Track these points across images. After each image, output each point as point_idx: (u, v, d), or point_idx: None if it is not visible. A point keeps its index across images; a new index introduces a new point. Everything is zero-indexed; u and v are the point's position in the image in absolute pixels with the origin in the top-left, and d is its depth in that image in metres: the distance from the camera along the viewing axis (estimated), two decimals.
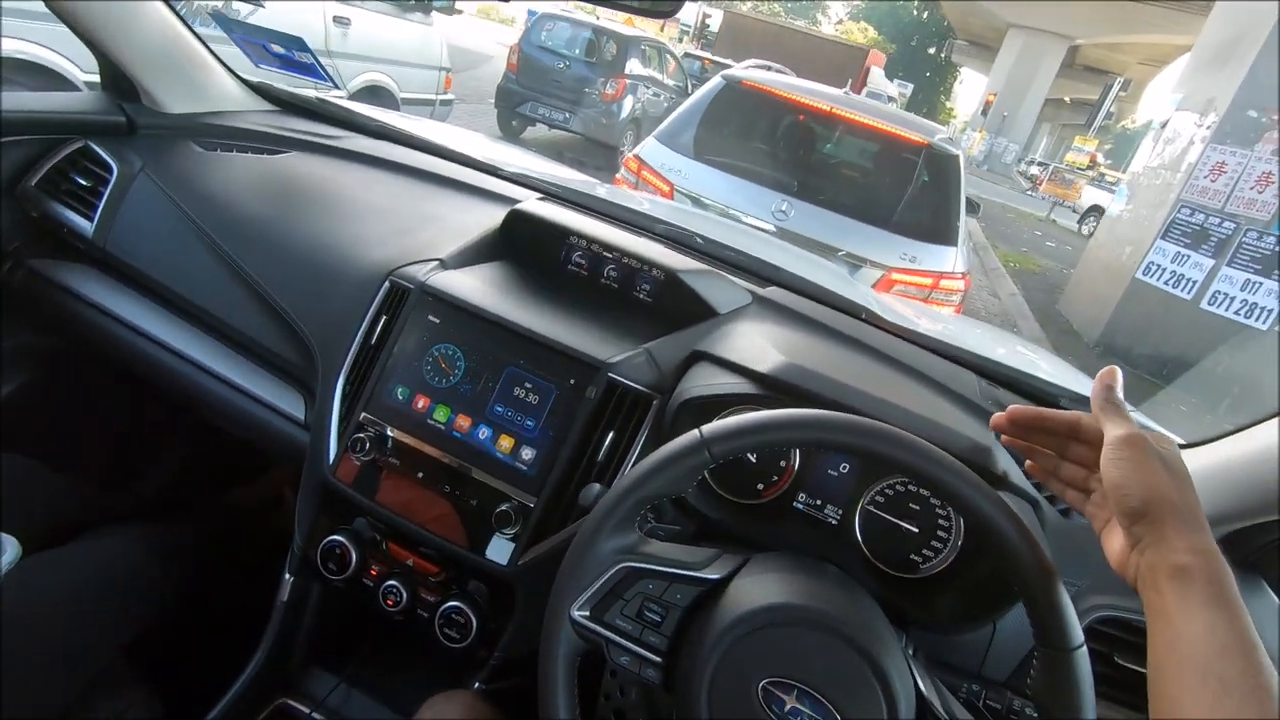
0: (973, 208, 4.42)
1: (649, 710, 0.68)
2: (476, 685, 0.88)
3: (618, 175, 3.78)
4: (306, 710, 0.97)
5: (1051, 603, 0.56)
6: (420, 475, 0.86)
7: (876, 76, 20.00)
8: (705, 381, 0.83)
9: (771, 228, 3.30)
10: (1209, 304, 5.25)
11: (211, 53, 1.29)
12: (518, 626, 0.86)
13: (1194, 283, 5.35)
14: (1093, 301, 6.56)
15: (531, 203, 1.13)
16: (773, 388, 0.80)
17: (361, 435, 0.86)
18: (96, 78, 1.23)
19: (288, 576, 0.96)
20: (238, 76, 1.37)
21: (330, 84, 1.34)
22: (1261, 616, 0.75)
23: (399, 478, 0.87)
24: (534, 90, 7.41)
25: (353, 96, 4.36)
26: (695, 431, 0.64)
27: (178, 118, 1.23)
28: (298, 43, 1.19)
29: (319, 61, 1.22)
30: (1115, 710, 0.76)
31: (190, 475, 1.42)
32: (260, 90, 1.41)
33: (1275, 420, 0.77)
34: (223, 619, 1.04)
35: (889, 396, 0.84)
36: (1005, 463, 0.78)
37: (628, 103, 7.54)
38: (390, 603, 0.89)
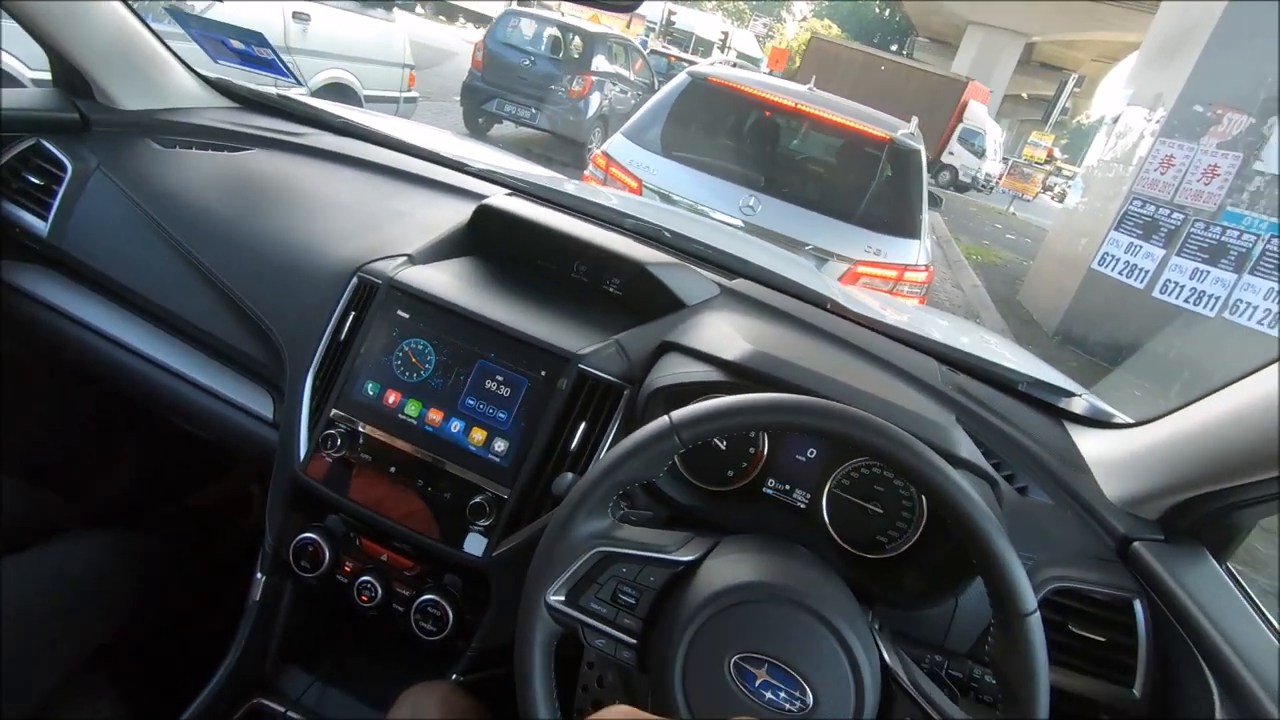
0: (935, 201, 4.51)
1: (626, 693, 0.69)
2: (454, 676, 0.89)
3: (586, 172, 3.78)
4: (282, 709, 0.96)
5: (1005, 571, 0.58)
6: (393, 470, 0.86)
7: (976, 112, 17.50)
8: (674, 370, 0.84)
9: (739, 223, 3.34)
10: (1161, 292, 5.43)
11: (168, 48, 1.26)
12: (494, 617, 0.87)
13: (1146, 272, 5.52)
14: (1051, 292, 6.75)
15: (500, 198, 1.13)
16: (740, 374, 0.82)
17: (332, 432, 0.86)
18: (46, 75, 1.20)
19: (259, 576, 0.95)
20: (195, 73, 1.34)
21: (292, 80, 1.31)
22: (1205, 583, 0.79)
23: (371, 474, 0.87)
24: (500, 87, 7.36)
25: (315, 94, 4.29)
26: (665, 418, 0.65)
27: (133, 114, 1.20)
28: (257, 38, 1.17)
29: (280, 57, 1.20)
30: (1071, 676, 0.79)
31: (152, 478, 1.39)
32: (219, 87, 1.38)
33: (1215, 396, 0.81)
34: (194, 620, 1.03)
35: (853, 382, 0.86)
36: (963, 444, 0.80)
37: (594, 99, 7.53)
38: (365, 599, 0.89)
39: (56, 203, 1.06)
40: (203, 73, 1.36)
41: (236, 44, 1.19)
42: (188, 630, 1.03)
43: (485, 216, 1.09)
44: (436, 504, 0.86)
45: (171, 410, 1.06)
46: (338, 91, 4.70)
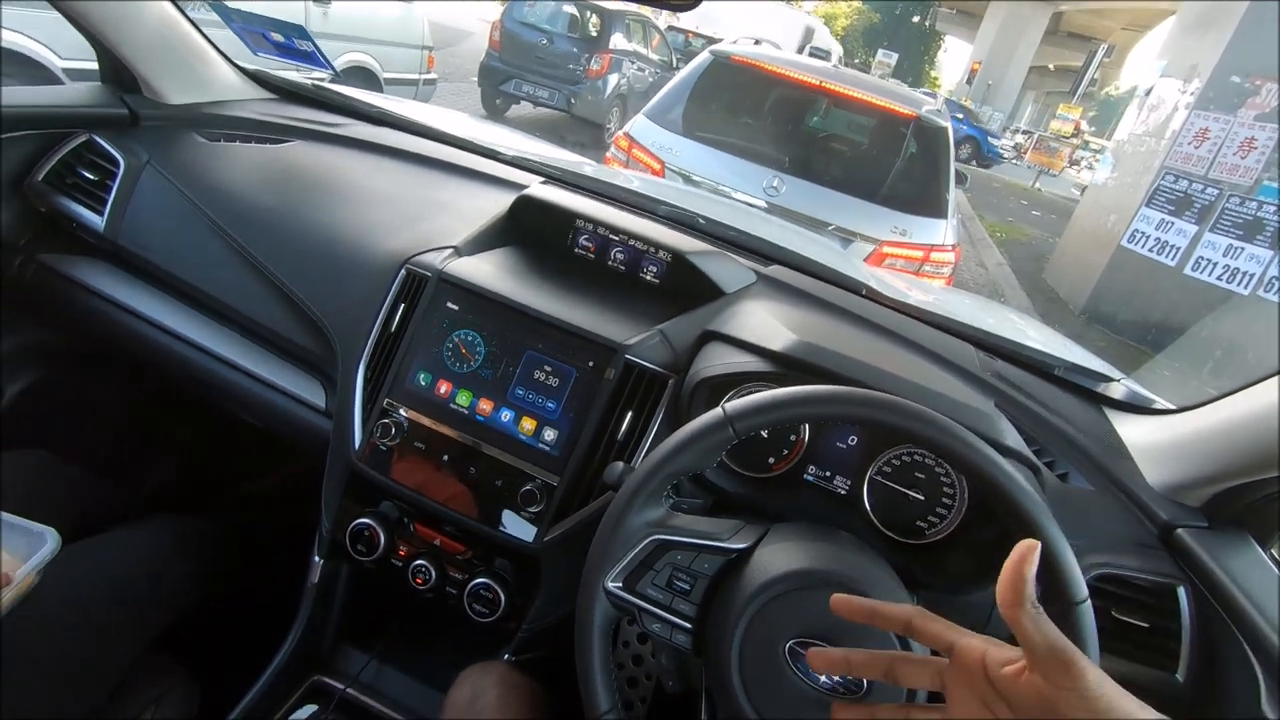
0: (960, 179, 4.45)
1: (679, 671, 0.72)
2: (506, 656, 0.92)
3: (608, 154, 3.77)
4: (340, 686, 1.00)
5: (1058, 560, 0.60)
6: (445, 458, 0.89)
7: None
8: (719, 360, 0.86)
9: (763, 203, 3.32)
10: (1192, 270, 5.32)
11: (210, 42, 1.29)
12: (544, 600, 0.89)
13: (1177, 249, 5.42)
14: (1078, 270, 6.64)
15: (538, 188, 1.14)
16: (785, 364, 0.83)
17: (386, 421, 0.89)
18: (75, 64, 1.23)
19: (317, 559, 0.98)
20: (236, 65, 1.36)
21: (331, 71, 1.33)
22: (1249, 570, 0.80)
23: (424, 461, 0.90)
24: (517, 67, 7.31)
25: (335, 78, 4.31)
26: (719, 410, 0.67)
27: (179, 108, 1.23)
28: (299, 31, 1.19)
29: (319, 49, 1.22)
30: (1113, 661, 0.81)
31: (210, 466, 1.44)
32: (257, 78, 1.40)
33: (1271, 381, 0.81)
34: (253, 604, 1.07)
35: (897, 370, 0.87)
36: (1009, 432, 0.81)
37: (613, 78, 7.46)
38: (419, 582, 0.92)
39: (111, 197, 1.09)
40: (241, 65, 1.38)
41: (277, 37, 1.21)
42: (249, 612, 1.07)
43: (525, 206, 1.10)
44: (488, 490, 0.88)
45: (227, 400, 1.09)
46: (359, 75, 4.71)
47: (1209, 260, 5.27)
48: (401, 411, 0.90)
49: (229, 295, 1.05)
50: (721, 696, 0.63)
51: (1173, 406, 1.03)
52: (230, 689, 0.95)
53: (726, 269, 1.07)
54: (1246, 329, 4.86)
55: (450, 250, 0.98)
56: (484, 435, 0.89)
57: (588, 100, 7.34)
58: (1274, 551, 0.86)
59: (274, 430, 1.08)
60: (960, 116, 17.07)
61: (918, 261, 3.23)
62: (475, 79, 7.69)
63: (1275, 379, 0.78)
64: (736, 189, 3.35)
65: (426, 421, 0.90)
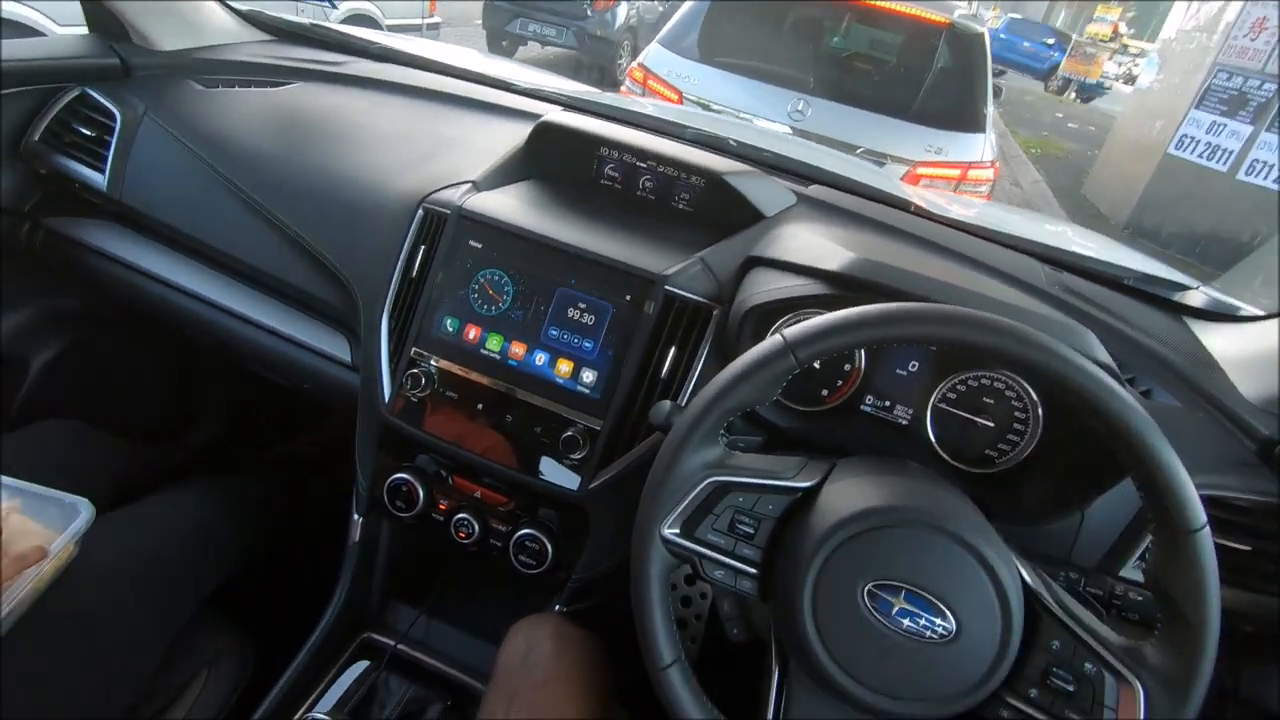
0: (995, 92, 4.19)
1: (743, 618, 0.68)
2: (556, 607, 0.89)
3: (623, 87, 3.62)
4: (391, 642, 0.99)
5: (1172, 484, 0.53)
6: (479, 407, 0.84)
7: None
8: (767, 287, 0.79)
9: (788, 129, 3.16)
10: (1246, 174, 5.03)
11: None
12: (593, 549, 0.86)
13: (1230, 153, 5.10)
14: (1120, 182, 6.31)
15: (557, 114, 1.06)
16: (842, 285, 0.76)
17: (415, 371, 0.84)
18: (73, 29, 1.16)
19: (356, 517, 0.96)
20: (229, 6, 1.28)
21: (331, 5, 1.24)
22: None
23: (457, 411, 0.86)
24: (522, 5, 7.03)
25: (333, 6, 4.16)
26: (778, 337, 0.60)
27: (172, 55, 1.16)
28: None
29: None
30: None
31: (249, 426, 1.42)
32: (253, 20, 1.32)
33: None
34: (301, 562, 1.06)
35: (969, 286, 0.79)
36: (1097, 345, 0.74)
37: (621, 10, 7.15)
38: (462, 535, 0.89)
39: (111, 154, 1.03)
40: (234, 6, 1.30)
41: None
42: (298, 572, 1.06)
43: (545, 134, 1.02)
44: (527, 438, 0.84)
45: (251, 359, 1.05)
46: (361, 23, 4.55)
47: (1265, 163, 4.96)
48: (430, 361, 0.86)
49: (241, 249, 1.00)
50: (793, 644, 0.59)
51: (1262, 312, 0.95)
52: (282, 649, 0.94)
53: (766, 190, 0.99)
54: None
55: (468, 186, 0.91)
56: (518, 380, 0.84)
57: (597, 35, 7.06)
58: None
59: (299, 388, 1.04)
60: (1051, 42, 15.97)
61: (954, 181, 3.07)
62: (479, 22, 7.42)
63: None
64: (759, 115, 3.19)
65: (457, 369, 0.85)
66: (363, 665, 0.96)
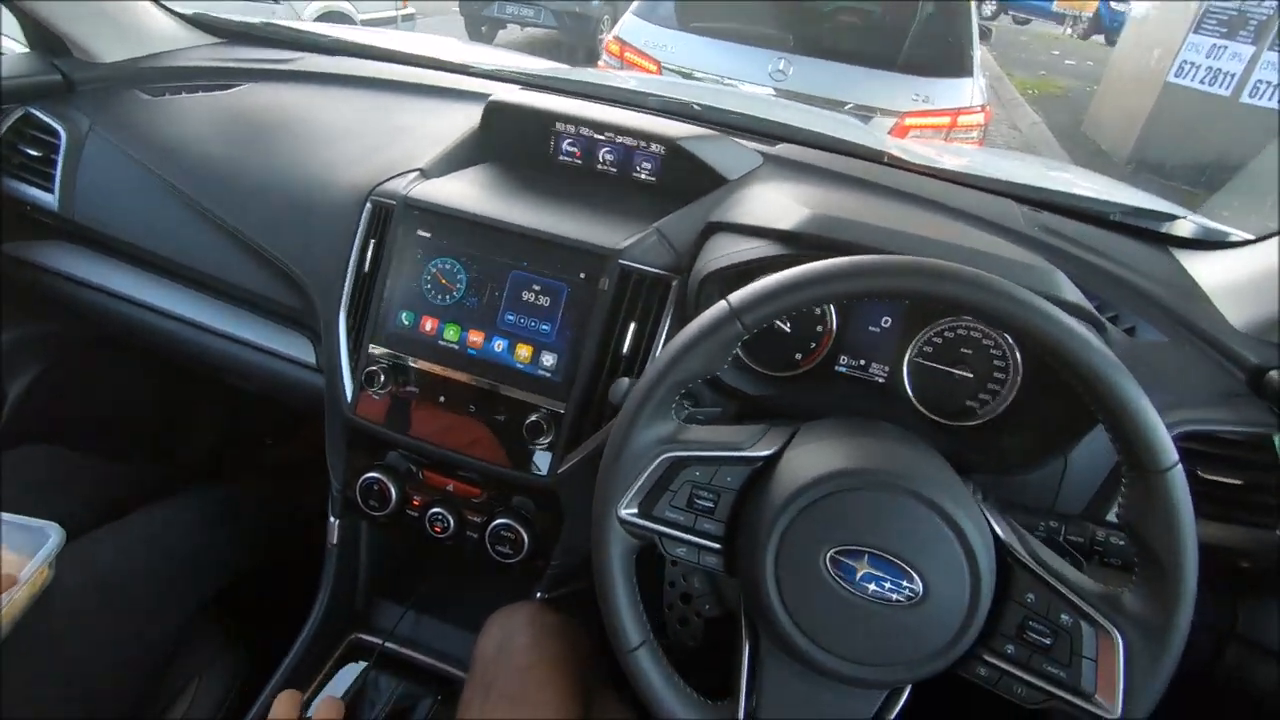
0: (983, 34, 4.08)
1: (714, 594, 0.66)
2: (538, 595, 0.88)
3: (600, 61, 3.55)
4: (379, 641, 0.99)
5: (1140, 423, 0.50)
6: (442, 399, 0.83)
7: None
8: (725, 251, 0.76)
9: (771, 90, 3.10)
10: (1250, 96, 4.87)
11: None
12: (569, 533, 0.85)
13: (1232, 76, 4.95)
14: (1121, 117, 6.15)
15: (507, 92, 1.03)
16: (799, 244, 0.73)
17: (374, 369, 0.82)
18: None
19: (332, 519, 0.95)
20: (172, 11, 1.25)
21: (272, 1, 1.21)
22: None
23: (421, 405, 0.84)
24: None
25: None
26: (723, 302, 0.58)
27: (116, 66, 1.13)
28: None
29: None
30: (1204, 526, 0.72)
31: (228, 439, 1.42)
32: (199, 23, 1.29)
33: None
34: (289, 567, 1.06)
35: (927, 234, 0.76)
36: (1066, 286, 0.71)
37: None
38: (438, 530, 0.88)
39: (58, 173, 1.02)
40: (178, 10, 1.27)
41: None
42: (286, 577, 1.05)
43: (496, 113, 0.99)
44: (492, 427, 0.82)
45: (219, 369, 1.04)
46: (335, 19, 4.51)
47: (1269, 83, 4.81)
48: (389, 356, 0.84)
49: (197, 259, 0.99)
50: (760, 616, 0.57)
51: (1251, 236, 0.91)
52: (273, 654, 0.94)
53: (728, 153, 0.96)
54: None
55: (415, 174, 0.88)
56: (479, 369, 0.82)
57: (575, 14, 6.94)
58: None
59: (272, 394, 1.03)
60: None
61: (944, 129, 3.01)
62: (457, 9, 7.32)
63: None
64: (740, 78, 3.12)
65: (417, 363, 0.83)
66: (354, 667, 0.96)
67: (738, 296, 0.57)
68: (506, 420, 0.81)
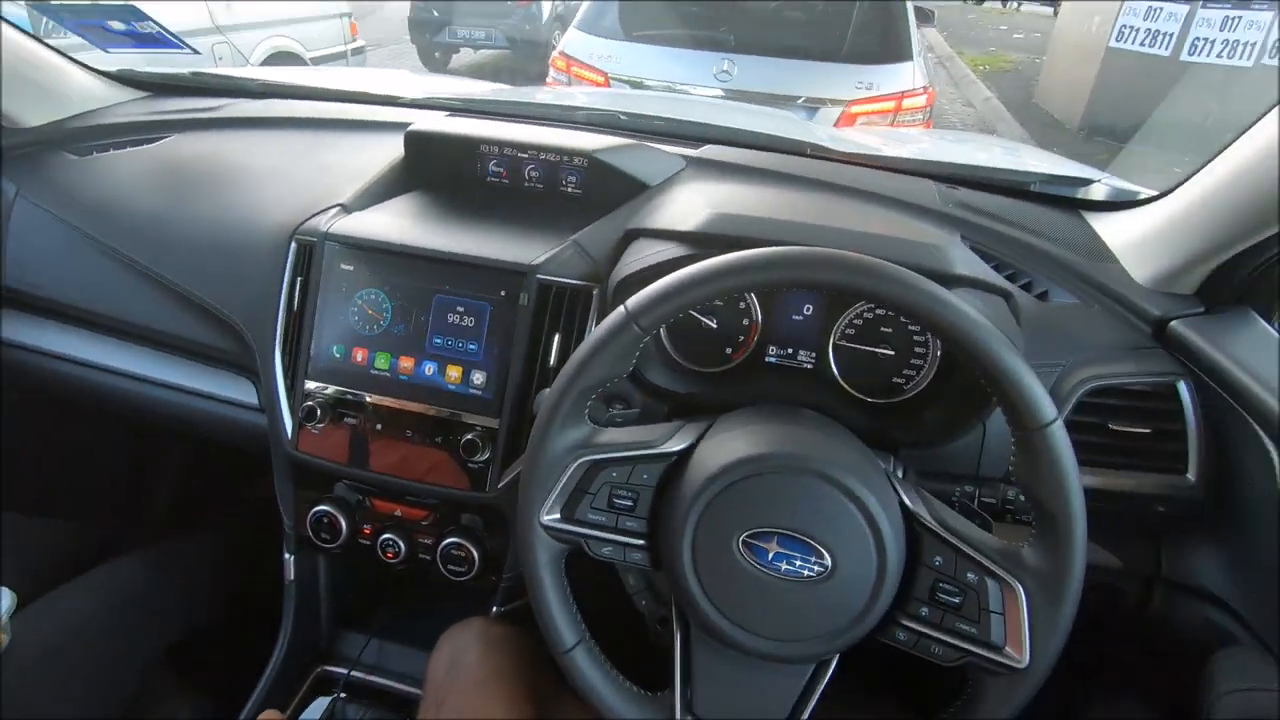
0: (925, 16, 4.15)
1: (651, 594, 0.68)
2: (494, 609, 0.89)
3: (549, 78, 3.58)
4: (345, 671, 1.00)
5: (1014, 382, 0.53)
6: (379, 427, 0.84)
7: None
8: (639, 256, 0.78)
9: (719, 91, 3.13)
10: (1189, 54, 4.97)
11: (58, 52, 1.18)
12: (516, 546, 0.86)
13: (1170, 36, 5.05)
14: (1069, 86, 6.25)
15: (428, 120, 1.05)
16: (705, 244, 0.76)
17: (311, 404, 0.84)
18: None
19: (287, 556, 0.96)
20: (95, 70, 1.26)
21: (189, 51, 1.21)
22: (1254, 347, 0.72)
23: (360, 434, 0.85)
24: (446, 12, 6.95)
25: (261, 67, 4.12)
26: (621, 308, 0.60)
27: (39, 130, 1.14)
28: (133, 12, 1.08)
29: (165, 29, 1.11)
30: (1118, 476, 0.75)
31: (189, 488, 1.42)
32: (124, 79, 1.30)
33: (1237, 144, 0.71)
34: (252, 608, 1.06)
35: (832, 223, 0.79)
36: (959, 260, 0.73)
37: (545, 3, 7.06)
38: (390, 555, 0.89)
39: None
40: (102, 68, 1.28)
41: (116, 25, 1.10)
42: (249, 618, 1.06)
43: (417, 144, 1.01)
44: (430, 449, 0.84)
45: (166, 420, 1.05)
46: (284, 59, 4.51)
47: (1205, 39, 4.91)
48: (325, 390, 0.85)
49: (133, 313, 1.00)
50: (685, 605, 0.59)
51: (1155, 193, 0.94)
52: (241, 694, 0.94)
53: (648, 160, 0.98)
54: (1254, 101, 4.54)
55: (337, 209, 0.90)
56: (412, 394, 0.83)
57: (526, 30, 6.98)
58: None
59: (219, 439, 1.04)
60: None
61: (890, 113, 3.05)
62: (409, 38, 7.34)
63: (1247, 135, 0.69)
64: (687, 83, 3.16)
65: (351, 394, 0.85)
66: (323, 701, 0.97)
67: (634, 301, 0.59)
68: (444, 441, 0.83)
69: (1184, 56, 4.98)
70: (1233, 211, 0.70)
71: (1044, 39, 9.26)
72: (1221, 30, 4.78)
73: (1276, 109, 0.66)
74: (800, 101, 3.08)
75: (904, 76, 3.08)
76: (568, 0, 7.41)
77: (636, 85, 3.24)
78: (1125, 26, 5.29)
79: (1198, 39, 4.93)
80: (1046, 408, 0.53)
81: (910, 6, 3.31)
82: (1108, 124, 5.70)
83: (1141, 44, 5.21)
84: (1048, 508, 0.54)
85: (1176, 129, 4.71)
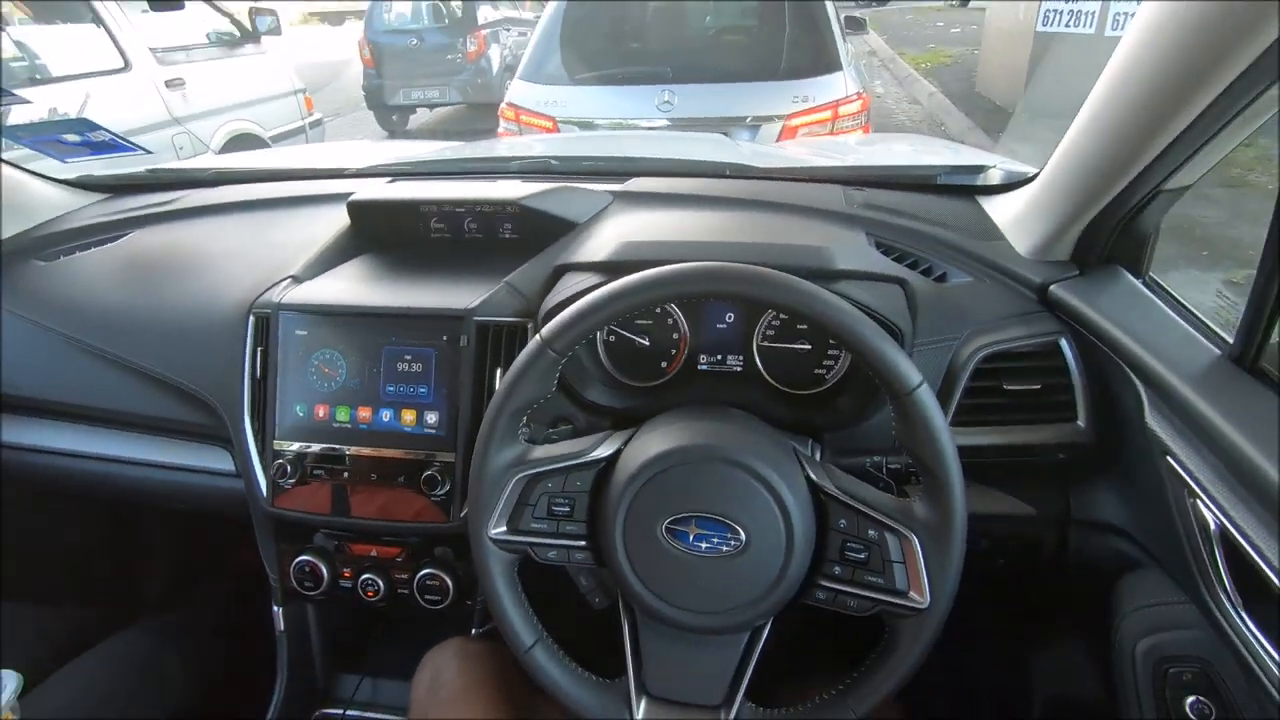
0: (857, 24, 4.32)
1: (602, 589, 0.74)
2: (473, 631, 0.95)
3: (500, 129, 3.70)
4: (341, 711, 1.04)
5: (879, 356, 0.60)
6: (346, 475, 0.90)
7: None
8: (565, 287, 0.86)
9: (664, 121, 3.25)
10: (1113, 29, 5.16)
11: (16, 166, 1.26)
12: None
13: (1092, 14, 5.25)
14: (1006, 72, 6.47)
15: (367, 188, 1.13)
16: (618, 271, 0.83)
17: (280, 462, 0.90)
18: None
19: (276, 608, 1.01)
20: (53, 180, 1.34)
21: (142, 152, 1.29)
22: (1122, 301, 0.80)
23: (330, 485, 0.91)
24: (398, 77, 7.13)
25: (221, 152, 4.22)
26: (536, 336, 0.67)
27: (9, 242, 1.21)
28: (85, 124, 1.16)
29: (117, 135, 1.19)
30: (1018, 432, 0.82)
31: (183, 560, 1.46)
32: (82, 184, 1.38)
33: (1080, 112, 0.79)
34: (250, 665, 1.11)
35: (738, 238, 0.87)
36: (842, 256, 0.81)
37: (495, 53, 7.27)
38: (371, 594, 0.94)
39: None
40: (60, 177, 1.35)
41: (71, 137, 1.18)
42: (248, 673, 1.10)
43: (359, 211, 1.09)
44: (395, 490, 0.90)
45: (150, 496, 1.10)
46: (245, 142, 4.62)
47: (1127, 14, 5.11)
48: (292, 447, 0.92)
49: (113, 401, 1.06)
50: (627, 594, 0.65)
51: (1037, 171, 1.03)
52: None
53: (574, 201, 1.06)
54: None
55: (288, 280, 0.97)
56: (373, 440, 0.90)
57: (478, 84, 7.17)
58: (1150, 275, 0.86)
59: (202, 509, 1.09)
60: None
61: (828, 122, 3.17)
62: (365, 106, 7.51)
63: (1086, 102, 0.77)
64: (632, 118, 3.28)
65: (316, 448, 0.91)
66: None
67: (547, 329, 0.67)
68: (407, 479, 0.89)
69: (1108, 32, 5.17)
70: (1084, 177, 0.78)
71: (978, 31, 9.56)
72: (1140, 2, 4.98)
73: (1105, 72, 0.74)
74: (748, 121, 3.20)
75: (837, 86, 3.21)
76: (521, 36, 7.63)
77: (586, 126, 3.36)
78: (1049, 10, 5.50)
79: (1119, 13, 5.12)
80: (912, 374, 0.60)
81: (835, 18, 3.45)
82: (1046, 106, 5.87)
83: (1066, 25, 5.41)
84: (927, 463, 0.60)
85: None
